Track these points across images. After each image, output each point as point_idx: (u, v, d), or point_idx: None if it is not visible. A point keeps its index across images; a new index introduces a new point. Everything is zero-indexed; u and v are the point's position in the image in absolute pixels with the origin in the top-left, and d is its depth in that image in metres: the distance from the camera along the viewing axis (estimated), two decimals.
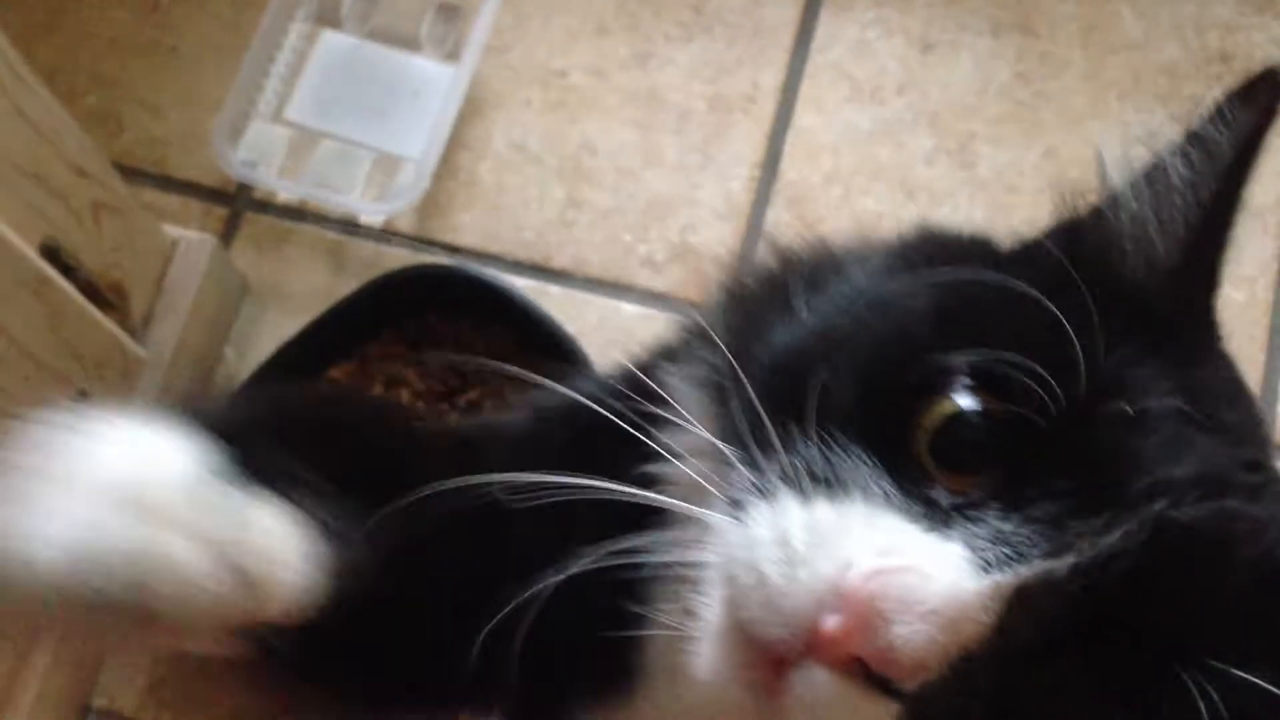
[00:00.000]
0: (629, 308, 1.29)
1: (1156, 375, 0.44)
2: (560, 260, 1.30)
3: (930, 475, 0.43)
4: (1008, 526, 0.41)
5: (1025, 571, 0.40)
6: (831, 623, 0.39)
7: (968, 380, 0.43)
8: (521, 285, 1.25)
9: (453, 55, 1.34)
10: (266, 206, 1.33)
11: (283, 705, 0.56)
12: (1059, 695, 0.40)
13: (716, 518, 0.44)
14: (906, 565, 0.40)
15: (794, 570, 0.40)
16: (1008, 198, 1.31)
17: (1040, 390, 0.42)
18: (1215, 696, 0.39)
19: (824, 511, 0.41)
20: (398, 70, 1.34)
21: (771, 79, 1.36)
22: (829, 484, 0.42)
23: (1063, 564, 0.40)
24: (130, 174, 1.32)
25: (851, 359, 0.45)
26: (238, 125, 1.30)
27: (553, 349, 1.22)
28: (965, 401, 0.43)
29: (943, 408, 0.43)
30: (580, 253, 1.30)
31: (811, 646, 0.40)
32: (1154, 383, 0.44)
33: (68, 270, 0.98)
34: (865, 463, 0.42)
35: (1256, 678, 0.39)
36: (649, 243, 1.30)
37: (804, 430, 0.44)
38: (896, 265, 0.51)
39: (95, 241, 1.03)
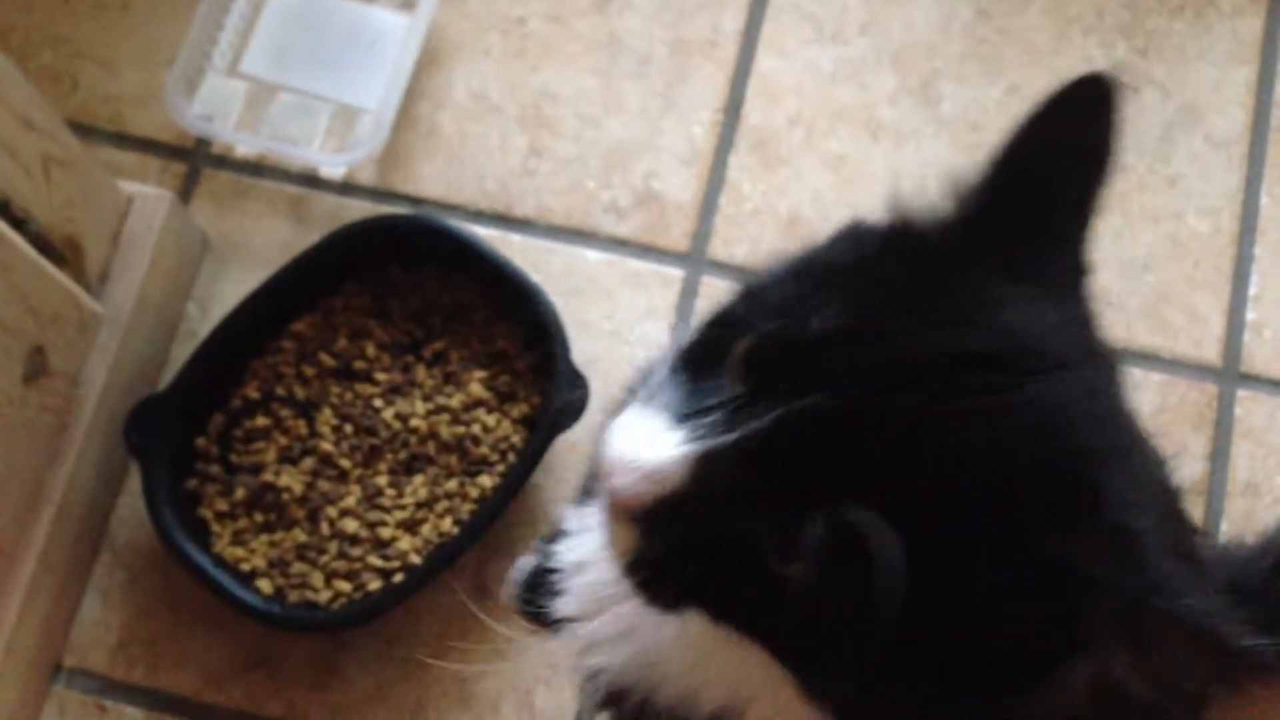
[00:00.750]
0: (593, 254, 1.28)
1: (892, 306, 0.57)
2: (523, 209, 1.29)
3: (718, 388, 0.59)
4: (715, 416, 0.57)
5: (707, 443, 0.56)
6: (606, 479, 0.59)
7: (761, 322, 0.59)
8: (485, 235, 1.24)
9: (409, 4, 1.33)
10: (225, 161, 1.31)
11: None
12: (734, 531, 0.57)
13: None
14: (643, 438, 0.58)
15: (604, 445, 0.60)
16: (971, 136, 1.30)
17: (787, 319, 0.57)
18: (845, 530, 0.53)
19: (633, 413, 0.60)
20: (354, 20, 1.32)
21: (732, 22, 1.34)
22: (652, 399, 0.60)
23: (728, 438, 0.56)
24: (86, 132, 1.30)
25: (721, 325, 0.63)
26: (192, 79, 1.29)
27: (518, 298, 1.21)
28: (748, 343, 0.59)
29: (744, 341, 0.59)
30: (543, 201, 1.29)
31: (609, 492, 0.59)
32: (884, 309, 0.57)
33: (18, 224, 0.97)
34: (675, 385, 0.61)
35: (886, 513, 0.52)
36: (612, 189, 1.29)
37: (673, 367, 0.62)
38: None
39: (45, 195, 1.02)
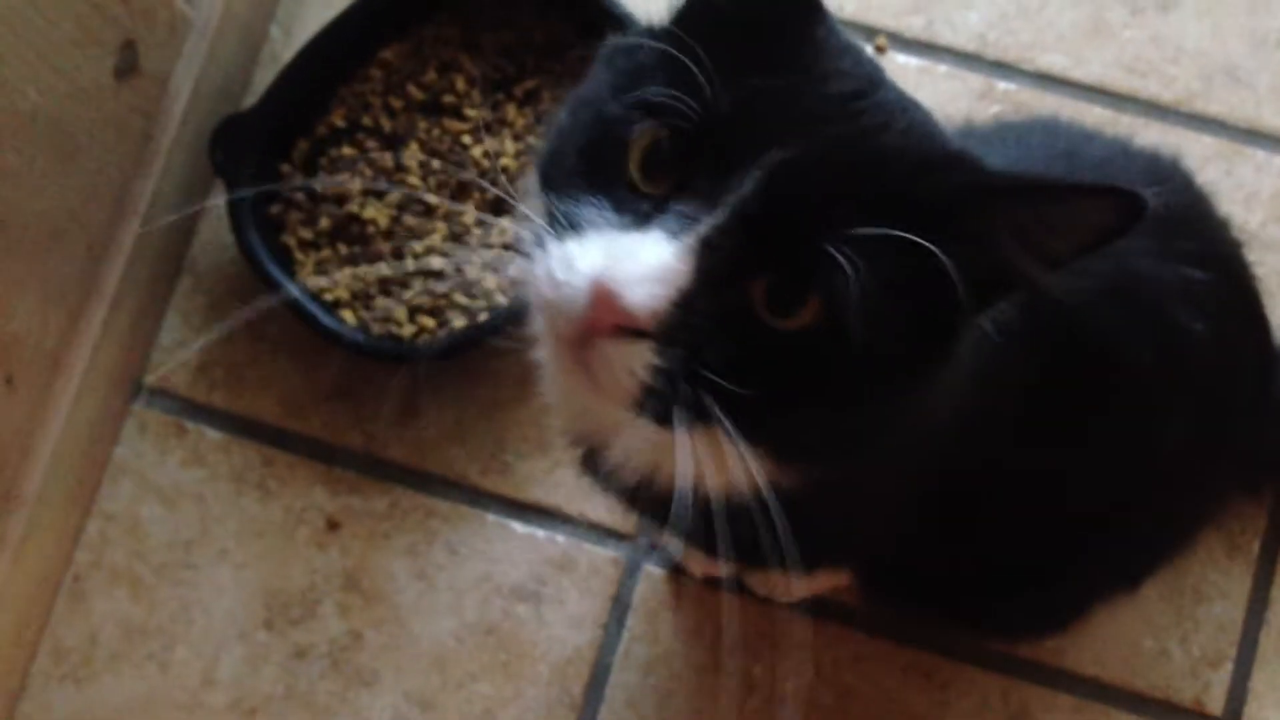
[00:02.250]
0: None
1: (763, 76, 0.60)
2: None
3: (641, 192, 0.60)
4: (683, 207, 0.58)
5: (698, 229, 0.58)
6: (590, 311, 0.58)
7: (644, 118, 0.61)
8: None
9: None
10: None
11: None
12: (754, 298, 0.59)
13: (522, 261, 0.63)
14: (623, 254, 0.58)
15: (559, 288, 0.59)
16: None
17: (682, 107, 0.59)
18: (855, 259, 0.57)
19: (572, 245, 0.59)
20: None
21: None
22: (576, 227, 0.60)
23: (721, 213, 0.58)
24: None
25: (576, 137, 0.64)
26: None
27: (613, 33, 1.15)
28: (643, 130, 0.61)
29: (639, 141, 0.61)
30: None
31: (588, 330, 0.58)
32: (759, 79, 0.60)
33: None
34: (595, 205, 0.61)
35: (878, 229, 0.57)
36: None
37: (561, 195, 0.62)
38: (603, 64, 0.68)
39: None
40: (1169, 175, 0.91)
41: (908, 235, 0.57)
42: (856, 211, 0.58)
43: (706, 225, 0.58)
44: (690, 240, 0.58)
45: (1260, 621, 1.07)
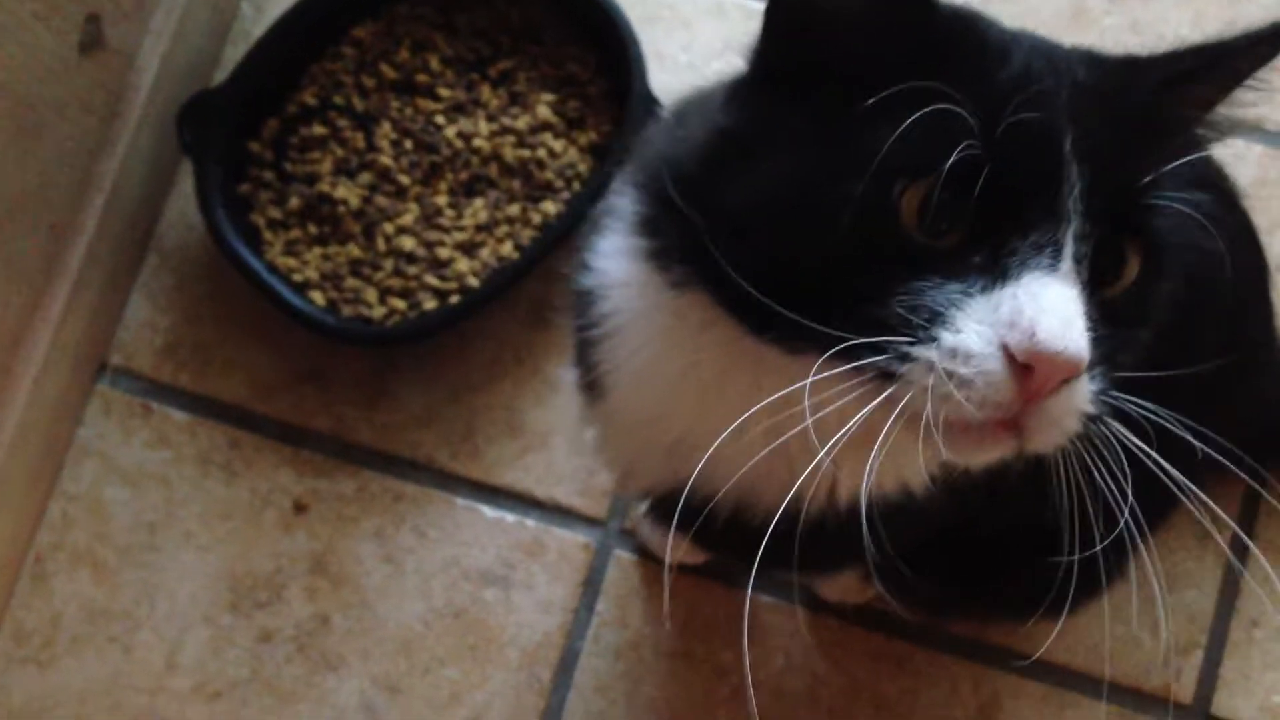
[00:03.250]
0: None
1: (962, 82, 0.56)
2: None
3: (943, 248, 0.56)
4: (1031, 235, 0.56)
5: (1067, 249, 0.56)
6: (1031, 383, 0.54)
7: (896, 180, 0.56)
8: None
9: None
10: None
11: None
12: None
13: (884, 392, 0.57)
14: (1031, 311, 0.54)
15: (969, 384, 0.54)
16: None
17: (962, 146, 0.54)
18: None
19: (948, 336, 0.55)
20: None
21: None
22: (931, 320, 0.55)
23: (1072, 221, 0.56)
24: None
25: (833, 242, 0.57)
26: None
27: (590, 18, 1.14)
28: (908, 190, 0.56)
29: (909, 203, 0.56)
30: None
31: (1029, 399, 0.55)
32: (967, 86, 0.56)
33: None
34: (928, 286, 0.55)
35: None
36: None
37: (882, 296, 0.56)
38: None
39: None
40: None
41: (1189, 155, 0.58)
42: (1147, 152, 0.58)
43: (1069, 243, 0.56)
44: (1067, 264, 0.56)
45: (1231, 609, 1.07)
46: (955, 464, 0.63)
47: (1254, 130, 1.19)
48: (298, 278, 1.11)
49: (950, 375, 0.55)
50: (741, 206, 0.59)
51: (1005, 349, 0.54)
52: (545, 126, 1.15)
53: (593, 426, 0.79)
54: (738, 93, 0.63)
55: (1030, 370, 0.54)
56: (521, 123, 1.15)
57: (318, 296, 1.10)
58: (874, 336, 0.55)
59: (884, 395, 0.56)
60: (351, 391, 1.13)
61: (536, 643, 1.08)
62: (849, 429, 0.56)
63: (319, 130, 1.14)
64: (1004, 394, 0.54)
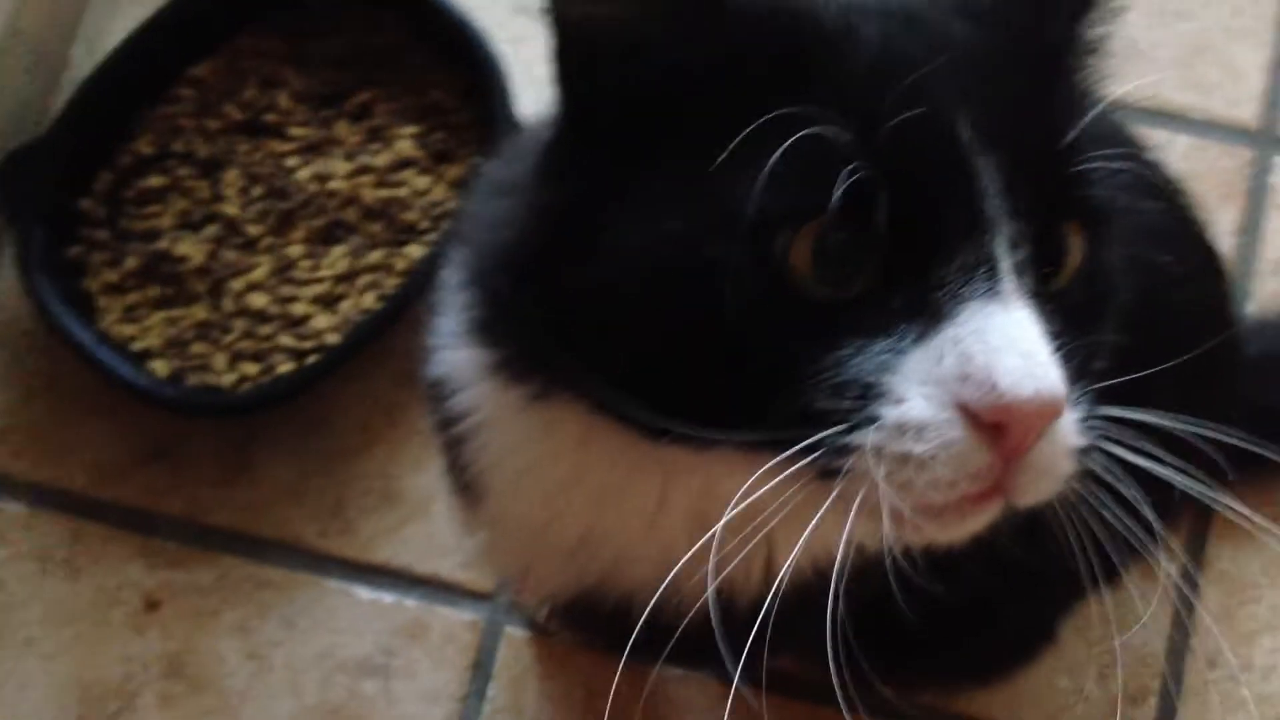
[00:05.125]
0: None
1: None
2: None
3: (852, 297, 0.45)
4: (958, 259, 0.45)
5: (1004, 265, 0.46)
6: (1006, 440, 0.44)
7: (775, 232, 0.45)
8: None
9: None
10: None
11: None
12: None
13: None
14: (986, 355, 0.44)
15: (934, 460, 0.44)
16: None
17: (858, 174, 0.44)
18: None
19: (891, 410, 0.44)
20: None
21: None
22: (868, 392, 0.45)
23: (1004, 229, 0.46)
24: None
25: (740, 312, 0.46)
26: None
27: (453, 40, 1.05)
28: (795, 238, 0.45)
29: (799, 246, 0.45)
30: None
31: (1008, 459, 0.45)
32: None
33: None
34: (849, 348, 0.45)
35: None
36: None
37: (795, 376, 0.46)
38: None
39: None
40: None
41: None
42: (1060, 109, 0.48)
43: (1003, 256, 0.45)
44: (1007, 283, 0.45)
45: (1184, 650, 0.97)
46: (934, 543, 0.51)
47: (1179, 120, 1.10)
48: (137, 346, 1.00)
49: (905, 458, 0.44)
50: (591, 297, 0.48)
51: (965, 409, 0.44)
52: (408, 162, 1.05)
53: (475, 532, 0.69)
54: (553, 159, 0.51)
55: (1003, 428, 0.44)
56: (382, 160, 1.05)
57: (160, 366, 0.99)
58: (797, 429, 0.45)
59: (833, 496, 0.46)
60: (206, 469, 1.02)
61: None
62: (806, 535, 0.47)
63: (157, 181, 1.04)
64: (976, 463, 0.44)
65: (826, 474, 0.45)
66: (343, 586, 1.00)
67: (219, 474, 1.02)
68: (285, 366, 1.00)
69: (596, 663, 0.97)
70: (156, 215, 1.03)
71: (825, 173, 0.43)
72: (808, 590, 0.55)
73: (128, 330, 1.01)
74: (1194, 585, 0.98)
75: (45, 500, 1.01)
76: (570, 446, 0.54)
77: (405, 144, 1.05)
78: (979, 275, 0.45)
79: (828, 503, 0.46)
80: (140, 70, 1.05)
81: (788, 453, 0.45)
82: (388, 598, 0.99)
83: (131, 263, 1.02)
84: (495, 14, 1.09)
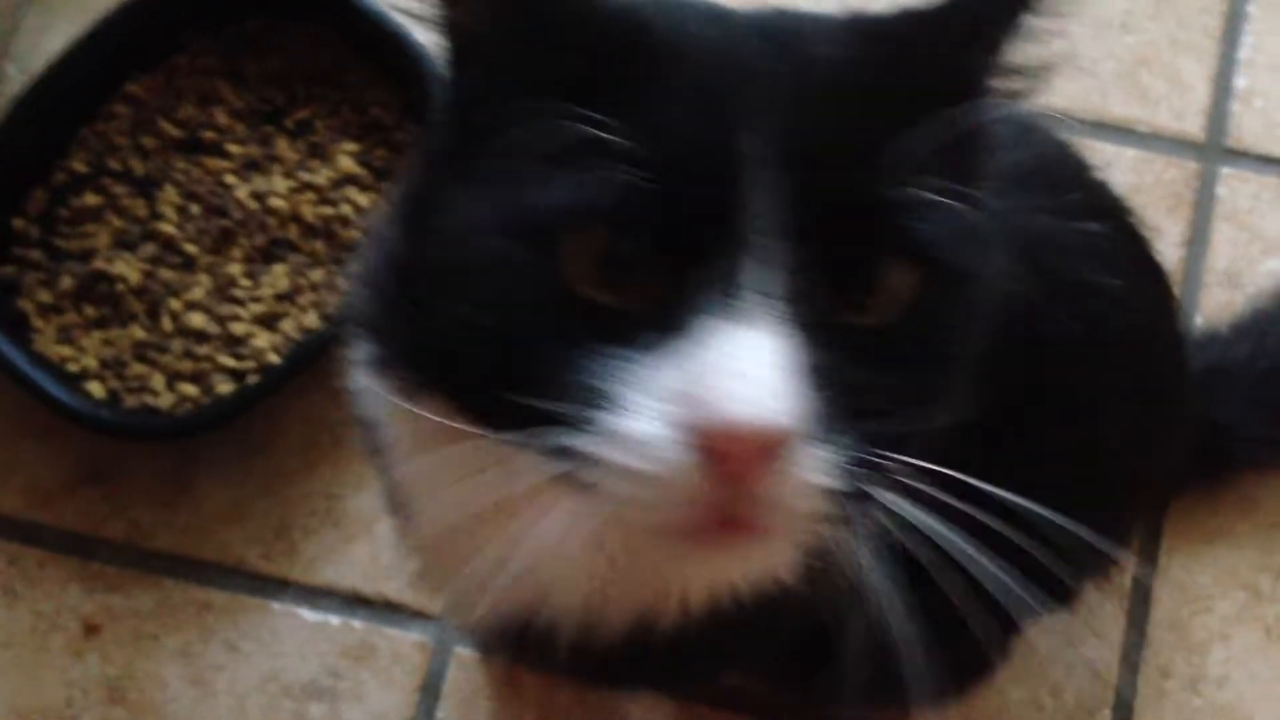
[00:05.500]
0: None
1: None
2: None
3: (630, 312, 0.45)
4: (717, 281, 0.43)
5: (764, 284, 0.44)
6: (728, 468, 0.42)
7: (559, 235, 0.45)
8: None
9: None
10: None
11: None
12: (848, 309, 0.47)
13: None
14: (713, 378, 0.42)
15: (650, 481, 0.43)
16: None
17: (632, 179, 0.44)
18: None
19: (620, 423, 0.43)
20: None
21: None
22: (600, 404, 0.44)
23: (769, 247, 0.43)
24: None
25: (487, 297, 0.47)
26: None
27: (393, 57, 1.03)
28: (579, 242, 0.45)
29: (582, 258, 0.45)
30: None
31: (725, 495, 0.43)
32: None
33: None
34: (595, 364, 0.44)
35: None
36: None
37: (523, 388, 0.45)
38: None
39: None
40: (1029, 124, 0.80)
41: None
42: (889, 137, 0.45)
43: (752, 272, 0.43)
44: (751, 301, 0.43)
45: (1138, 661, 0.97)
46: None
47: (1125, 133, 1.10)
48: (73, 368, 0.98)
49: (627, 472, 0.43)
50: (410, 283, 0.49)
51: (686, 429, 0.42)
52: (349, 179, 1.03)
53: (411, 554, 0.68)
54: (425, 153, 0.53)
55: (719, 454, 0.42)
56: (323, 177, 1.03)
57: (96, 388, 0.97)
58: (536, 430, 0.45)
59: (568, 503, 0.46)
60: (146, 492, 1.00)
61: None
62: (554, 540, 0.47)
63: (92, 200, 1.02)
64: (693, 487, 0.43)
65: (562, 480, 0.45)
66: (287, 609, 0.98)
67: (159, 496, 1.00)
68: (225, 387, 0.98)
69: (548, 683, 0.95)
70: (92, 234, 1.01)
71: (605, 178, 0.43)
72: (726, 613, 0.54)
73: (63, 351, 0.98)
74: (1146, 596, 0.98)
75: None
76: (446, 449, 0.52)
77: (346, 160, 1.04)
78: (731, 295, 0.43)
79: (567, 508, 0.46)
80: (74, 87, 1.03)
81: (529, 454, 0.45)
82: (334, 619, 0.98)
83: (67, 282, 1.00)
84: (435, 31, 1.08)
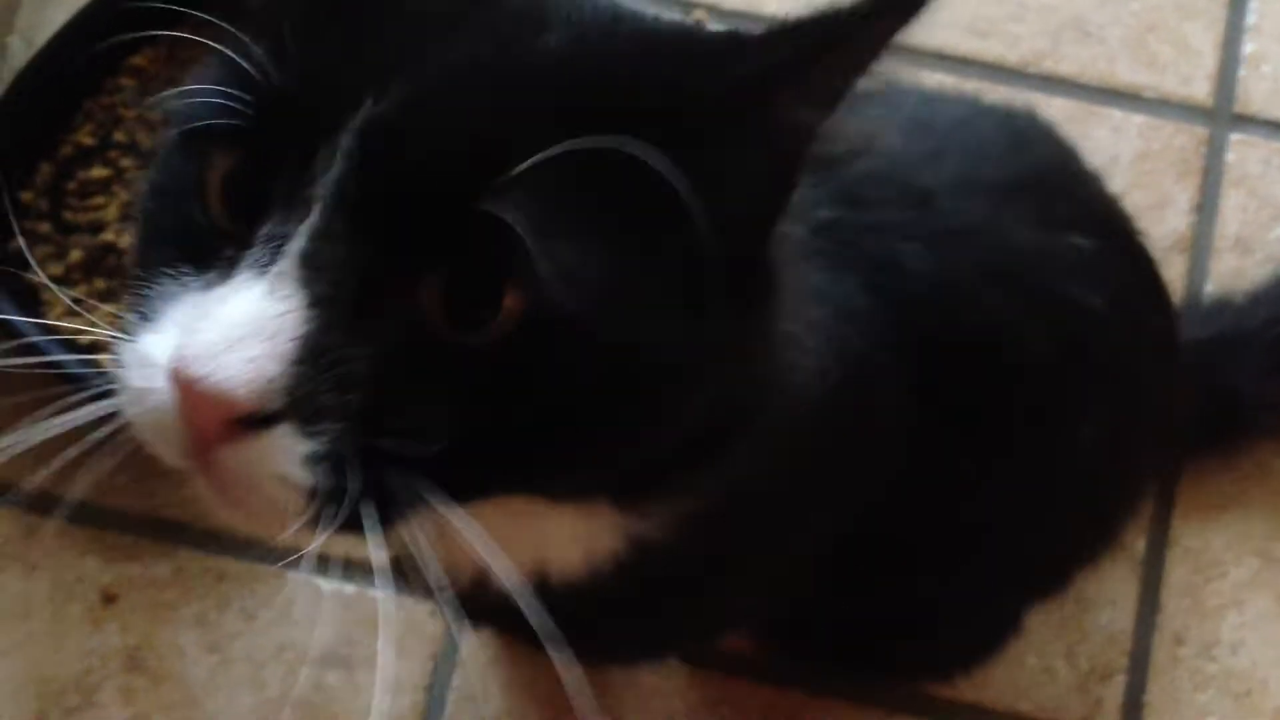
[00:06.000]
0: None
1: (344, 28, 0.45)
2: None
3: (229, 236, 0.45)
4: (268, 228, 0.43)
5: (291, 247, 0.42)
6: (182, 414, 0.43)
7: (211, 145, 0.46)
8: None
9: None
10: None
11: None
12: (427, 311, 0.43)
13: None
14: (195, 321, 0.42)
15: (143, 403, 0.45)
16: None
17: (231, 103, 0.43)
18: (539, 214, 0.42)
19: (147, 338, 0.45)
20: None
21: None
22: (148, 315, 0.45)
23: (315, 214, 0.42)
24: None
25: (157, 204, 0.49)
26: None
27: None
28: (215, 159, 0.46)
29: (214, 173, 0.46)
30: None
31: (199, 442, 0.43)
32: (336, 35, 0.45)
33: None
34: (175, 275, 0.45)
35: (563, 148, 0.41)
36: None
37: (148, 282, 0.46)
38: None
39: None
40: (1028, 131, 0.80)
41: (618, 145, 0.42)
42: (521, 145, 0.42)
43: (299, 238, 0.42)
44: (284, 266, 0.42)
45: (1151, 628, 0.97)
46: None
47: (1133, 99, 1.10)
48: (86, 340, 0.98)
49: (132, 392, 0.45)
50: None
51: (169, 371, 0.43)
52: None
53: None
54: None
55: (187, 408, 0.42)
56: None
57: (108, 360, 0.97)
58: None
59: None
60: (159, 462, 0.99)
61: None
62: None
63: (100, 173, 1.02)
64: (169, 429, 0.44)
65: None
66: (303, 578, 0.98)
67: (173, 467, 1.00)
68: None
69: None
70: (100, 207, 1.01)
71: (221, 99, 0.44)
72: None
73: (76, 323, 0.98)
74: (1159, 563, 0.98)
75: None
76: None
77: None
78: (266, 250, 0.42)
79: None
80: (79, 60, 1.02)
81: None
82: (348, 588, 0.98)
83: (76, 255, 1.00)
84: None
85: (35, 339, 0.94)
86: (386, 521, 0.46)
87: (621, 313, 0.44)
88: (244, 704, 0.96)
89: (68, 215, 1.01)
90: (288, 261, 0.42)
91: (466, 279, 0.43)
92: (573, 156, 0.42)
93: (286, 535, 0.47)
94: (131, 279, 0.48)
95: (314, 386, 0.42)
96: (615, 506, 0.52)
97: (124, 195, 1.01)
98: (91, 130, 1.03)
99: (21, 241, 1.00)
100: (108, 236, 1.00)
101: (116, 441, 0.50)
